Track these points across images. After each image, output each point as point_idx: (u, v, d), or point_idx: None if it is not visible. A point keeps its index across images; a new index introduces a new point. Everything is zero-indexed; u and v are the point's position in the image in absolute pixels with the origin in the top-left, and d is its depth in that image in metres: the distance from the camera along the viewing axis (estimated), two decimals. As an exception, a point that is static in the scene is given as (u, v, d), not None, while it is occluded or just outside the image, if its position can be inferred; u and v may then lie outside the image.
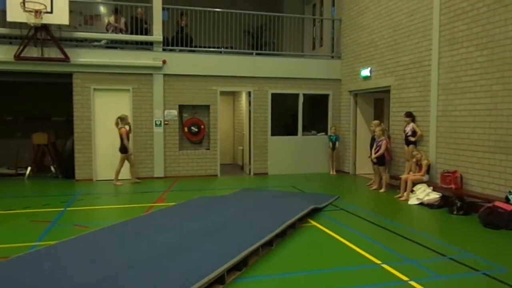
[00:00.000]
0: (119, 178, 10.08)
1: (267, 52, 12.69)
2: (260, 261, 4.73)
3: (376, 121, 9.70)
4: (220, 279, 4.00)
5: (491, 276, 4.31)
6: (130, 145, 10.16)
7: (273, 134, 11.80)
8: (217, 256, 4.41)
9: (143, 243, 5.01)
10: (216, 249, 4.72)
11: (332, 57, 12.51)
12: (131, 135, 10.32)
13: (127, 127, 10.08)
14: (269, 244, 5.15)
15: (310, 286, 4.10)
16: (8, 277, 4.01)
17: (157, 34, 10.73)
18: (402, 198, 8.25)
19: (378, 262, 4.72)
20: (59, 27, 10.01)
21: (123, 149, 9.96)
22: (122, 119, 9.98)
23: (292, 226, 5.96)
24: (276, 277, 4.32)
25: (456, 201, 7.15)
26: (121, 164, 10.05)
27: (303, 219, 6.41)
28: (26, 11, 9.20)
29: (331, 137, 11.80)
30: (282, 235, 5.57)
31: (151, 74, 10.73)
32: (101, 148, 10.52)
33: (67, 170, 10.69)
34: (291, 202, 7.56)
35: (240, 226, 5.79)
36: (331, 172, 11.88)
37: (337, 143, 11.77)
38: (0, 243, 5.39)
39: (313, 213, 6.89)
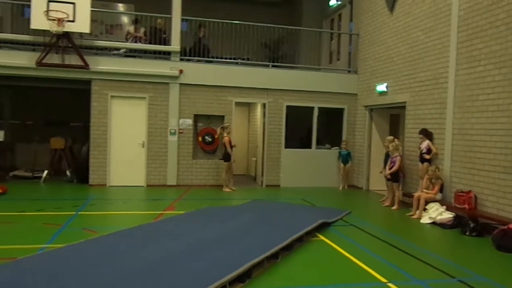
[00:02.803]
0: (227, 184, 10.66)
1: (284, 64, 12.74)
2: (265, 274, 4.69)
3: (390, 137, 9.61)
4: (222, 290, 3.99)
5: (501, 301, 4.18)
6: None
7: (286, 146, 11.77)
8: (220, 267, 4.40)
9: (148, 250, 5.03)
10: (220, 259, 4.70)
11: (349, 71, 12.48)
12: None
13: (230, 135, 10.43)
14: (274, 256, 5.11)
15: (312, 302, 4.05)
16: (12, 278, 4.06)
17: (175, 44, 10.90)
18: (414, 216, 8.09)
19: (384, 280, 4.63)
20: (81, 35, 10.29)
21: (227, 157, 10.36)
22: (224, 128, 10.47)
23: (300, 240, 5.91)
24: (278, 291, 4.28)
25: (470, 222, 6.97)
26: (229, 171, 10.56)
27: (311, 233, 6.35)
28: (49, 19, 9.48)
29: (342, 152, 11.70)
30: (289, 248, 5.52)
31: (167, 83, 10.87)
32: (115, 154, 10.65)
33: (82, 175, 10.86)
34: (300, 215, 7.51)
35: (247, 237, 5.76)
36: (341, 187, 11.74)
37: (349, 159, 11.65)
38: (11, 243, 5.50)
39: (323, 227, 6.82)
